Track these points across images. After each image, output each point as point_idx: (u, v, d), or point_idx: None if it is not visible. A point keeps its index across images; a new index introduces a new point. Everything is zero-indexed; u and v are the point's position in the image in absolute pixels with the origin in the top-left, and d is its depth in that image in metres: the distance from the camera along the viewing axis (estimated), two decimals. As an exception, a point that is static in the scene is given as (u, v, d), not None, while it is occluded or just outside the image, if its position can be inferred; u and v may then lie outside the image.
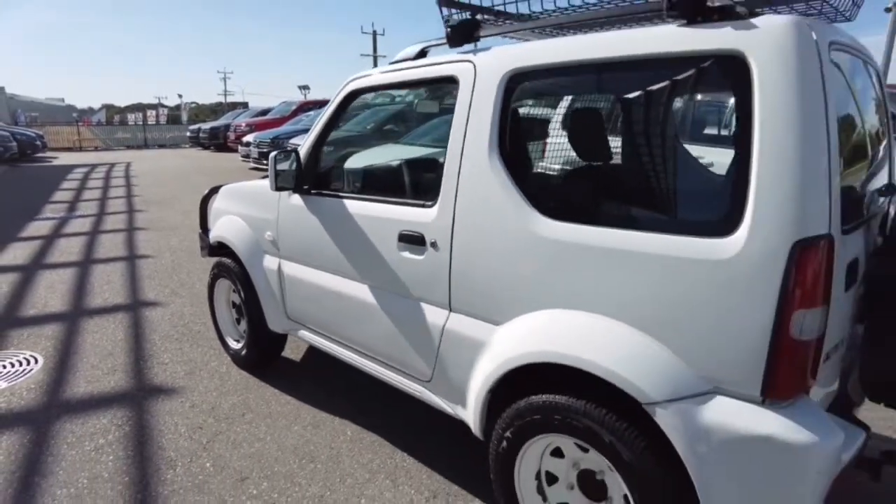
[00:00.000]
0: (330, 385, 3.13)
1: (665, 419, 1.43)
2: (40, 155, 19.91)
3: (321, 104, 15.56)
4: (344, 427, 2.72)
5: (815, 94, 1.30)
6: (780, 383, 1.33)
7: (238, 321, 3.40)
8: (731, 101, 1.43)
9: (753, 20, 1.38)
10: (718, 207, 1.42)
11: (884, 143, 1.98)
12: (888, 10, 13.20)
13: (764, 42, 1.34)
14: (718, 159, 1.73)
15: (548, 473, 1.84)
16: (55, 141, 24.32)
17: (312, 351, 3.56)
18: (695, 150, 1.92)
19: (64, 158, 19.58)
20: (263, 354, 3.26)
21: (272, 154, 2.59)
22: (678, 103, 1.90)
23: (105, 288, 4.87)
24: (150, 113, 37.87)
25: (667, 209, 1.57)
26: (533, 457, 1.82)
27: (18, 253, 6.09)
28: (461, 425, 2.06)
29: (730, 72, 1.41)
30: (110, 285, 4.95)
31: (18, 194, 10.66)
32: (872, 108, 1.91)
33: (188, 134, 25.00)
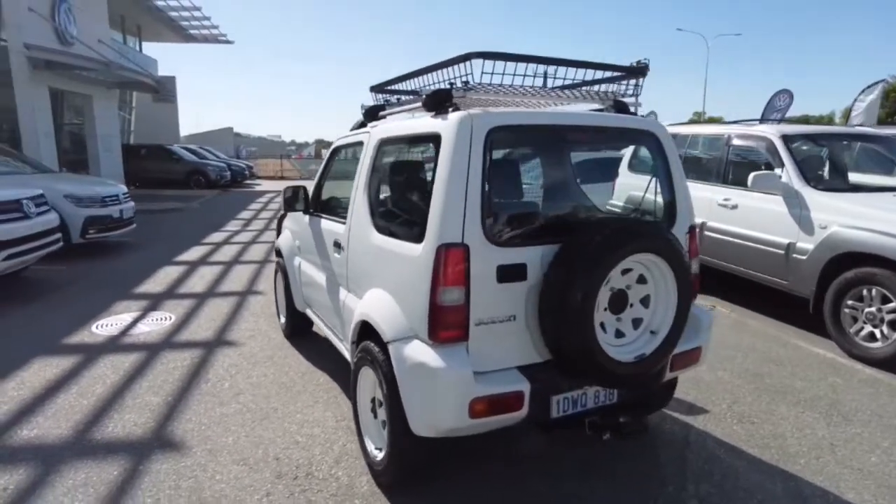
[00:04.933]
0: (331, 353, 4.34)
1: (392, 351, 2.38)
2: (247, 182, 24.74)
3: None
4: (319, 377, 3.91)
5: (461, 162, 2.20)
6: (435, 333, 2.21)
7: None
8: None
9: (450, 115, 2.32)
10: (420, 227, 2.33)
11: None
12: None
13: (447, 128, 2.28)
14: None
15: (379, 400, 2.81)
16: (263, 171, 29.80)
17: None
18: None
19: (265, 185, 24.09)
20: (294, 326, 4.60)
21: (284, 187, 3.93)
22: (428, 160, 2.80)
23: (235, 281, 6.74)
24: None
25: (407, 228, 2.52)
26: (367, 385, 2.81)
27: (194, 253, 8.42)
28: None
29: (437, 144, 2.34)
30: (238, 279, 6.81)
31: (217, 211, 13.89)
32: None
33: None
